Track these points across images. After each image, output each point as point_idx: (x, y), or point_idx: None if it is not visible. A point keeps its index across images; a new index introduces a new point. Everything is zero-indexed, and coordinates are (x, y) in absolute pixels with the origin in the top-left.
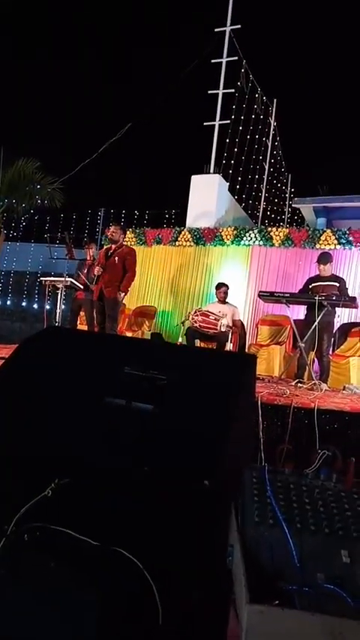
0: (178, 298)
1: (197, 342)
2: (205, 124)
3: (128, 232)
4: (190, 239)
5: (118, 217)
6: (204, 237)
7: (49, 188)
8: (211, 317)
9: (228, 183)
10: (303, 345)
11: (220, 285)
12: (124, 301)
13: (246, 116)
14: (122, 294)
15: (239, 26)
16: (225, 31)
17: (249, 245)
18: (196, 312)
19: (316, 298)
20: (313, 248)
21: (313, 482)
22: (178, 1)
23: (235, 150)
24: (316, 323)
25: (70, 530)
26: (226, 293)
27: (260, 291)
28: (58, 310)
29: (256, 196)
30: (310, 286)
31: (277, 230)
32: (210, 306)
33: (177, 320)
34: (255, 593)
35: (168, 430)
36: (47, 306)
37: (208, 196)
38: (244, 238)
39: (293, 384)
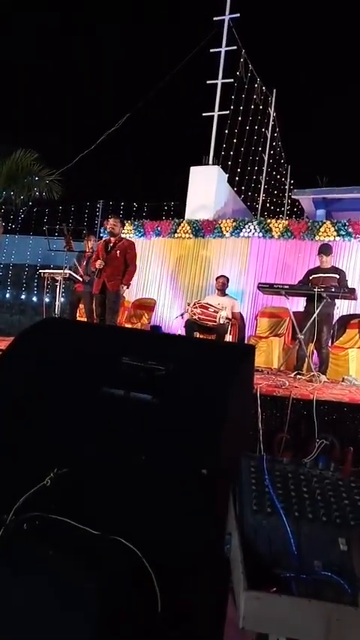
0: (178, 290)
1: (196, 335)
2: (203, 114)
3: (127, 224)
4: (189, 231)
5: (117, 209)
6: (203, 229)
7: (48, 180)
8: (210, 309)
9: (227, 175)
10: (302, 336)
11: (219, 277)
12: (124, 294)
13: (245, 106)
14: (124, 288)
15: (238, 15)
16: (224, 19)
17: (248, 237)
18: (195, 304)
19: (316, 290)
20: (312, 240)
21: (311, 471)
22: None
23: (235, 141)
24: (315, 315)
25: (68, 520)
26: (225, 285)
27: (259, 283)
28: (57, 303)
29: (255, 188)
30: (310, 278)
31: (276, 222)
32: (209, 298)
33: (176, 312)
34: (252, 580)
35: (166, 419)
36: (46, 299)
37: (207, 188)
38: (244, 230)
39: (292, 375)
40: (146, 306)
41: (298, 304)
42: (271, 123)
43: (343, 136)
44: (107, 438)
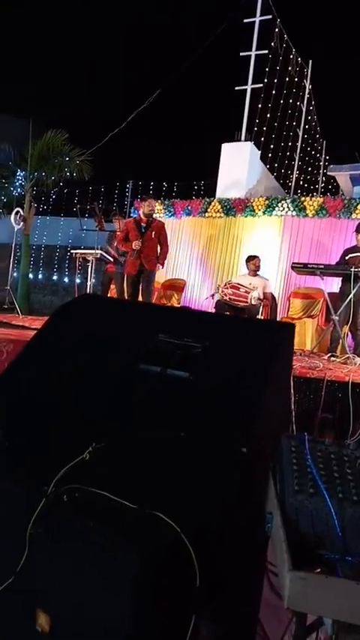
0: (208, 271)
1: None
2: (236, 88)
3: (157, 204)
4: (220, 210)
5: (147, 189)
6: (234, 207)
7: (78, 160)
8: (241, 289)
9: (260, 152)
10: (337, 318)
11: (251, 257)
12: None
13: (279, 79)
14: (160, 267)
15: None
16: None
17: (281, 215)
18: (226, 284)
19: (352, 270)
20: (349, 218)
21: (355, 453)
22: None
23: (268, 116)
24: (351, 295)
25: (107, 493)
26: (257, 265)
27: (293, 263)
28: (88, 283)
29: (288, 164)
30: (347, 257)
31: (310, 200)
32: (240, 278)
33: (206, 293)
34: (297, 561)
35: (204, 397)
36: (78, 280)
37: (238, 165)
38: (276, 209)
39: (326, 357)
40: (176, 286)
41: (333, 284)
42: (306, 96)
43: None
44: (145, 414)
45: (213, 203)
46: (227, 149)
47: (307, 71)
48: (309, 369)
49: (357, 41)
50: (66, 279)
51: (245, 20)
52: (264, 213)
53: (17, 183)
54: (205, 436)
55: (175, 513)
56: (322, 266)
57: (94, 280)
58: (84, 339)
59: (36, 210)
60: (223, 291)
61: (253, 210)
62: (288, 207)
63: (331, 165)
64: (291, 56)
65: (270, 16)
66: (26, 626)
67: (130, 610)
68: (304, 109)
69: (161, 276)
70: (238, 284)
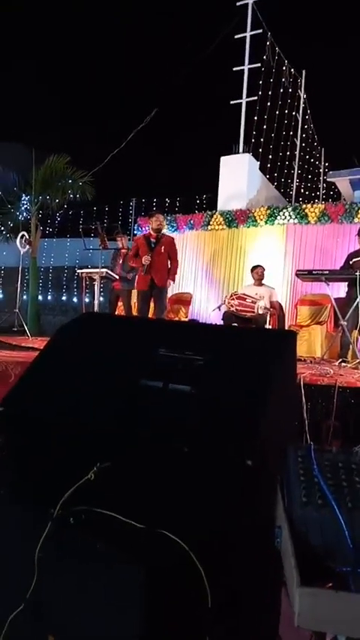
0: (214, 283)
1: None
2: (231, 102)
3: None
4: (223, 222)
5: (150, 206)
6: (236, 219)
7: (80, 182)
8: (247, 300)
9: (258, 162)
10: (345, 323)
11: (255, 267)
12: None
13: (274, 91)
14: (171, 283)
15: None
16: (247, 3)
17: (283, 224)
18: (232, 295)
19: (357, 274)
20: (351, 222)
21: None
22: None
23: (264, 127)
24: (358, 300)
25: (114, 513)
26: (262, 274)
27: (298, 270)
28: (95, 302)
29: (288, 173)
30: (351, 262)
31: (312, 206)
32: (246, 288)
33: (213, 305)
34: (306, 575)
35: (207, 410)
36: (86, 299)
37: (238, 177)
38: (278, 217)
39: (337, 363)
40: (183, 300)
41: (339, 290)
42: (301, 105)
43: None
44: (148, 430)
45: (215, 216)
46: (226, 162)
47: (301, 81)
48: (320, 376)
49: (348, 48)
50: (75, 299)
51: (236, 36)
52: (266, 222)
53: (23, 208)
54: (209, 450)
55: (182, 531)
56: (327, 272)
57: (101, 299)
58: (85, 358)
59: (42, 232)
60: (229, 303)
61: (255, 221)
62: (290, 215)
63: (331, 172)
64: (284, 68)
65: (260, 30)
66: None
67: (140, 632)
68: (300, 119)
69: (168, 290)
70: (244, 294)
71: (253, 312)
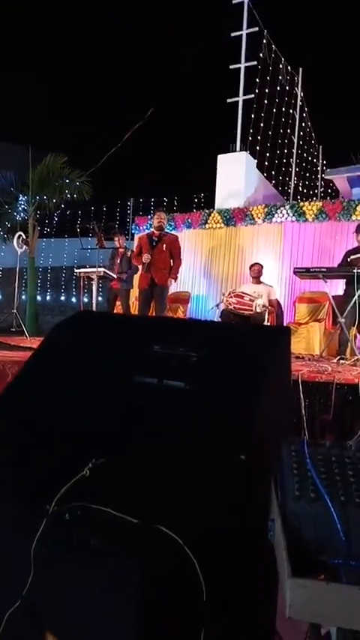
0: (212, 281)
1: None
2: (228, 100)
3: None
4: (220, 221)
5: (148, 205)
6: (234, 217)
7: (78, 182)
8: (245, 298)
9: (256, 161)
10: (343, 320)
11: (253, 265)
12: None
13: (271, 89)
14: (172, 282)
15: None
16: (243, 2)
17: (281, 222)
18: (230, 293)
19: (355, 271)
20: (349, 220)
21: (357, 454)
22: None
23: (262, 125)
24: (356, 297)
25: (109, 509)
26: (259, 272)
27: (295, 268)
28: (94, 302)
29: (286, 171)
30: (349, 259)
31: (309, 204)
32: (244, 287)
33: (211, 303)
34: (297, 567)
35: (202, 406)
36: (85, 299)
37: (236, 175)
38: (276, 215)
39: (335, 360)
40: (181, 299)
41: (338, 287)
42: (298, 103)
43: None
44: (143, 426)
45: (212, 214)
46: (223, 160)
47: (298, 79)
48: (318, 373)
49: (345, 45)
50: (73, 299)
51: (232, 34)
52: (264, 220)
53: (20, 208)
54: (204, 446)
55: (177, 526)
56: (325, 269)
57: (100, 298)
58: (80, 355)
59: (40, 233)
60: (227, 301)
61: (253, 219)
62: (287, 213)
63: (328, 169)
64: (280, 65)
65: (257, 29)
66: None
67: (136, 627)
68: (297, 116)
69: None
70: (243, 292)
71: (252, 310)
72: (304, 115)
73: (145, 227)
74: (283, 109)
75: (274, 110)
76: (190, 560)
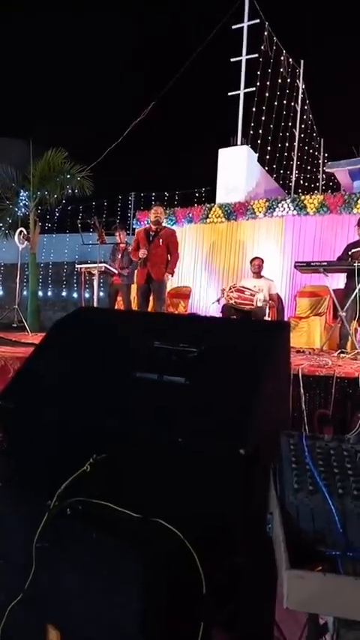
0: (213, 276)
1: None
2: (229, 94)
3: None
4: (221, 215)
5: (149, 200)
6: (235, 212)
7: (79, 177)
8: (246, 292)
9: (257, 154)
10: (344, 314)
11: (253, 259)
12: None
13: (272, 82)
14: (169, 277)
15: None
16: None
17: (282, 216)
18: (231, 288)
19: (356, 264)
20: (350, 213)
21: (355, 447)
22: None
23: (263, 118)
24: (356, 291)
25: (109, 504)
26: (260, 266)
27: (296, 262)
28: (95, 297)
29: (287, 165)
30: (350, 252)
31: (310, 198)
32: (245, 281)
33: (212, 298)
34: (295, 559)
35: (201, 401)
36: (86, 294)
37: (237, 170)
38: (277, 209)
39: (336, 354)
40: (182, 294)
41: (339, 281)
42: (300, 96)
43: None
44: (143, 421)
45: (213, 209)
46: (224, 154)
47: (300, 71)
48: (318, 367)
49: (347, 37)
50: (75, 295)
51: (233, 26)
52: (265, 214)
53: (21, 204)
54: (203, 440)
55: (177, 520)
56: (326, 263)
57: (101, 294)
58: (80, 351)
59: (41, 228)
60: (228, 295)
61: (254, 213)
62: (288, 206)
63: (330, 162)
64: (282, 58)
65: (258, 20)
66: None
67: (137, 619)
68: (298, 109)
69: (167, 284)
70: (243, 287)
71: (252, 304)
72: (306, 107)
73: (146, 222)
74: (285, 101)
75: (276, 103)
76: (190, 553)
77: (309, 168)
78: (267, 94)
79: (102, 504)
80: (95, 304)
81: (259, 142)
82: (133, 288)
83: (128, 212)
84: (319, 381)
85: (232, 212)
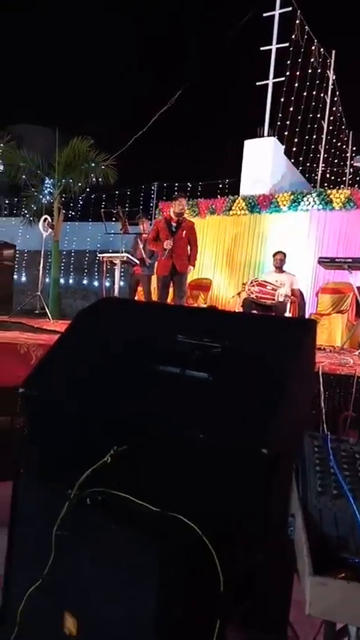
0: (234, 269)
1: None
2: (257, 83)
3: None
4: (245, 207)
5: (171, 190)
6: (259, 204)
7: (103, 165)
8: (268, 287)
9: (284, 146)
10: None
11: (276, 253)
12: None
13: (302, 72)
14: (191, 269)
15: None
16: None
17: (307, 210)
18: (252, 282)
19: None
20: None
21: None
22: None
23: (291, 109)
24: None
25: (129, 496)
26: (282, 261)
27: (320, 258)
28: (116, 286)
29: (314, 158)
30: None
31: (337, 192)
32: (266, 275)
33: (232, 292)
34: (318, 565)
35: (224, 397)
36: (106, 283)
37: (262, 161)
38: (302, 203)
39: (357, 353)
40: (202, 286)
41: None
42: (330, 87)
43: None
44: (164, 416)
45: (237, 201)
46: (250, 145)
47: (330, 61)
48: (339, 366)
49: None
50: (95, 283)
51: (265, 14)
52: (289, 208)
53: (46, 191)
54: (225, 438)
55: (195, 516)
56: (350, 259)
57: (122, 283)
58: (103, 343)
59: (64, 216)
60: (249, 289)
61: (278, 206)
62: (314, 201)
63: (357, 156)
64: (313, 47)
65: (290, 9)
66: (54, 628)
67: (153, 613)
68: (328, 101)
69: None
70: (265, 281)
71: (274, 299)
72: (335, 99)
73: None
74: (314, 92)
75: (304, 94)
76: (208, 550)
77: (336, 161)
78: (296, 85)
79: (122, 496)
80: (116, 293)
81: (285, 133)
82: (154, 278)
83: (150, 202)
84: (340, 379)
85: (256, 204)
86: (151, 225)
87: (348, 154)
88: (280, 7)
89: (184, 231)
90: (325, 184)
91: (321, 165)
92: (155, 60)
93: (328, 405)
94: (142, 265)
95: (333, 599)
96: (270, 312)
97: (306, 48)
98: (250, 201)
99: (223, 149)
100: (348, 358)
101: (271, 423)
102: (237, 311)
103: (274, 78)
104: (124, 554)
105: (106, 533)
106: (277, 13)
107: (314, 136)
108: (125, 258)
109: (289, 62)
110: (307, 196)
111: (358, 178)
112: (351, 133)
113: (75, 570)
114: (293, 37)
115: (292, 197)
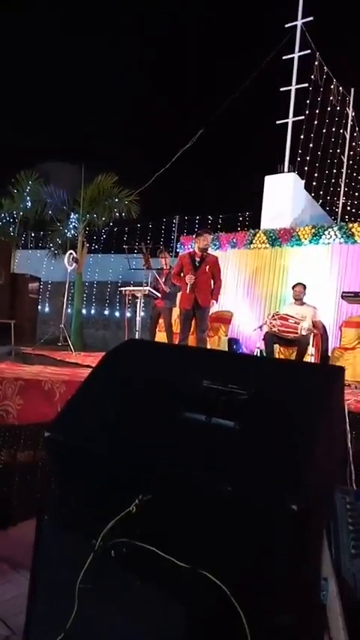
0: (255, 302)
1: (276, 347)
2: (277, 122)
3: None
4: (266, 241)
5: (192, 224)
6: (280, 238)
7: (126, 201)
8: (290, 320)
9: (304, 181)
10: None
11: (295, 285)
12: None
13: (321, 109)
14: (214, 303)
15: (311, 18)
16: (296, 25)
17: (329, 243)
18: (274, 315)
19: None
20: None
21: None
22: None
23: (311, 145)
24: None
25: (154, 548)
26: (301, 292)
27: (343, 292)
28: (137, 318)
29: (334, 191)
30: None
31: (358, 226)
32: (287, 307)
33: (254, 325)
34: (354, 634)
35: (251, 448)
36: (128, 314)
37: (282, 196)
38: (323, 237)
39: None
40: (223, 318)
41: None
42: (349, 123)
43: None
44: (191, 465)
45: (258, 234)
46: (270, 181)
47: (350, 99)
48: None
49: None
50: (117, 314)
51: (284, 57)
52: (310, 242)
53: (71, 225)
54: (253, 491)
55: (223, 573)
56: None
57: (143, 314)
58: (129, 387)
59: (88, 248)
60: (271, 323)
61: (299, 240)
62: (335, 234)
63: None
64: (332, 86)
65: (309, 51)
66: None
67: None
68: (347, 136)
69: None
70: (287, 315)
71: (297, 333)
72: (355, 134)
73: (189, 246)
74: (334, 129)
75: (324, 130)
76: (235, 610)
77: (357, 194)
78: (315, 122)
79: (148, 549)
80: (137, 325)
81: (305, 168)
82: (175, 311)
83: (172, 235)
84: None
85: (277, 238)
86: (172, 259)
87: None
88: (300, 50)
89: (208, 266)
90: (346, 217)
91: (342, 198)
92: (179, 98)
93: (356, 446)
94: (163, 298)
95: None
96: (293, 346)
97: (325, 86)
98: (271, 234)
99: (244, 185)
100: None
101: (300, 477)
102: (260, 349)
103: (293, 116)
104: (149, 610)
105: (131, 589)
106: (296, 55)
107: (334, 171)
108: (147, 292)
109: (308, 101)
110: (329, 230)
111: None
112: None
113: (98, 624)
114: (312, 77)
115: (313, 230)
